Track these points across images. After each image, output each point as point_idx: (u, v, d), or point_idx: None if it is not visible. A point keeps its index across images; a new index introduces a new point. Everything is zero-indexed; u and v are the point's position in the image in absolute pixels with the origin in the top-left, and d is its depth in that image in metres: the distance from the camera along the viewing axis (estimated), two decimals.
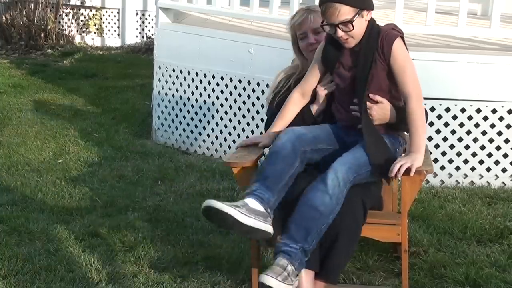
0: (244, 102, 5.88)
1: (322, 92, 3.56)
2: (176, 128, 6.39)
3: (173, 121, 6.41)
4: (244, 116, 5.89)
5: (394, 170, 3.22)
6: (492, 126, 5.32)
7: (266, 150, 3.54)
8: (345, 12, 3.27)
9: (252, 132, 5.82)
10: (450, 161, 5.37)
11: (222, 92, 6.02)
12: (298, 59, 3.83)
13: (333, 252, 3.33)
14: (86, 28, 11.52)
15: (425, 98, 5.31)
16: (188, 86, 6.27)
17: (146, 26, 11.32)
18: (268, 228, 3.18)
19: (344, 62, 3.44)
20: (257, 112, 5.80)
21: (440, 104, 5.29)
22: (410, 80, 3.36)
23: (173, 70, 6.38)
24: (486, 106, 5.31)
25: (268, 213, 3.20)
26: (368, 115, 3.37)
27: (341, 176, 3.22)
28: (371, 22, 3.38)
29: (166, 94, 6.46)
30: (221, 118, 6.04)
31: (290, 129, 3.40)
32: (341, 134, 3.47)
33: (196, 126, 6.23)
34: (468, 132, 5.33)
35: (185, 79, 6.29)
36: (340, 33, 3.31)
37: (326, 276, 3.37)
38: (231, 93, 5.96)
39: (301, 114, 3.60)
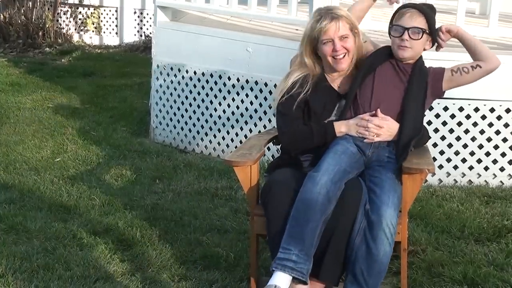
0: (242, 101, 5.88)
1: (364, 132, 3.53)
2: (174, 127, 6.39)
3: (171, 119, 6.41)
4: (242, 115, 5.89)
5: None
6: (490, 125, 5.33)
7: (266, 150, 3.53)
8: (421, 22, 3.54)
9: (250, 131, 5.82)
10: (448, 160, 5.37)
11: (220, 90, 6.02)
12: (307, 60, 3.68)
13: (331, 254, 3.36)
14: (84, 27, 11.51)
15: None
16: (186, 84, 6.26)
17: (144, 25, 11.31)
18: None
19: (396, 66, 3.59)
20: (255, 110, 5.80)
21: (438, 103, 5.29)
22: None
23: (171, 69, 6.38)
24: (484, 105, 5.31)
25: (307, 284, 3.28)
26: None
27: (394, 222, 3.32)
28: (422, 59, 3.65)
29: (164, 92, 6.45)
30: (219, 117, 6.04)
31: (325, 170, 3.34)
32: (360, 145, 3.51)
33: (194, 125, 6.23)
34: (466, 131, 5.33)
35: (183, 77, 6.29)
36: (406, 36, 3.51)
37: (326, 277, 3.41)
38: (229, 92, 5.96)
39: (324, 134, 3.57)
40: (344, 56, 3.59)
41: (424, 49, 3.62)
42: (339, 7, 3.73)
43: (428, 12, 3.57)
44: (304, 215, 3.26)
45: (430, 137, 3.79)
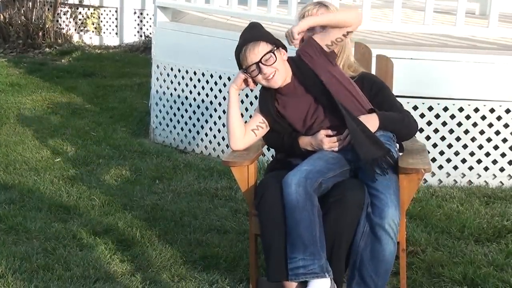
0: (242, 101, 5.88)
1: (327, 146, 3.49)
2: (174, 127, 6.39)
3: (171, 120, 6.41)
4: (241, 115, 5.88)
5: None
6: (490, 125, 5.33)
7: (266, 150, 3.52)
8: (263, 47, 3.46)
9: None
10: (448, 160, 5.37)
11: (220, 91, 6.02)
12: None
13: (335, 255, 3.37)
14: (84, 27, 11.51)
15: (423, 98, 5.34)
16: (186, 85, 6.27)
17: (144, 25, 11.32)
18: None
19: (288, 99, 3.52)
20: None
21: (438, 104, 5.29)
22: None
23: (171, 69, 6.38)
24: (484, 105, 5.31)
25: (328, 277, 3.26)
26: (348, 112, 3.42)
27: (396, 220, 3.31)
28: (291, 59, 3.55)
29: (164, 93, 6.46)
30: (219, 117, 6.04)
31: (297, 171, 3.35)
32: (338, 154, 3.48)
33: (194, 125, 6.23)
34: (466, 132, 5.34)
35: (183, 78, 6.29)
36: (265, 69, 3.45)
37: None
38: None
39: (291, 147, 3.59)
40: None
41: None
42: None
43: (259, 34, 3.49)
44: (293, 219, 3.27)
45: (416, 123, 3.71)
